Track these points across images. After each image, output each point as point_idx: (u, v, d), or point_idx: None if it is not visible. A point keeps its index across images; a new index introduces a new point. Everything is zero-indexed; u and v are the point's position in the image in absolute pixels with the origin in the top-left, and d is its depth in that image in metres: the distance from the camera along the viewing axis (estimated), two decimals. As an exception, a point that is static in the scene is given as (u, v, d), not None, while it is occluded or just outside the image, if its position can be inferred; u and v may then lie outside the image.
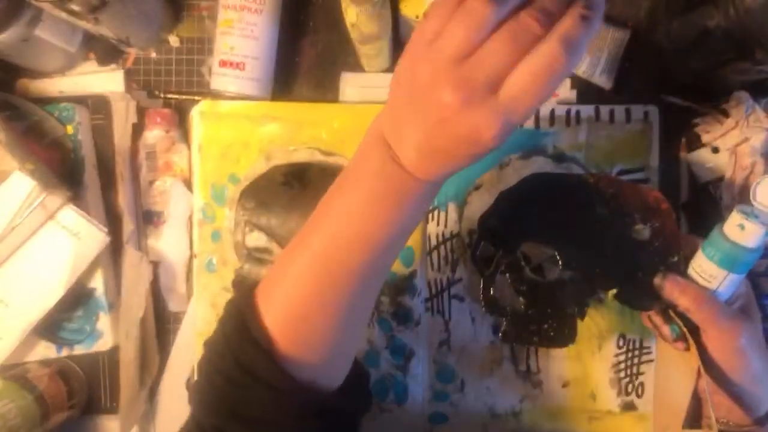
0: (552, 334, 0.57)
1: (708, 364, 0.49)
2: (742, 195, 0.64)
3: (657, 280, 0.51)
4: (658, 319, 0.52)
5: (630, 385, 0.65)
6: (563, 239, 0.53)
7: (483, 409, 0.66)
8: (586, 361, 0.65)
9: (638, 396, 0.65)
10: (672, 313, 0.51)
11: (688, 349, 0.50)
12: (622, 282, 0.54)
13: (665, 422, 0.57)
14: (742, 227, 0.44)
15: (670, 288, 0.49)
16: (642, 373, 0.65)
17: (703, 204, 0.66)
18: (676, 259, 0.52)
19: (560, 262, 0.54)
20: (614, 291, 0.54)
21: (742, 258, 0.46)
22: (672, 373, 0.54)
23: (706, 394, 0.49)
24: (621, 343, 0.65)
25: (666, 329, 0.51)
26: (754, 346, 0.48)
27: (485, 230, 0.55)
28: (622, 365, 0.65)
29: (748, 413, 0.49)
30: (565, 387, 0.66)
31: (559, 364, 0.66)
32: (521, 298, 0.57)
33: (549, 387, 0.66)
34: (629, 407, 0.65)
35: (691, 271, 0.49)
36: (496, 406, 0.66)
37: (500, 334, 0.59)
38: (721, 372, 0.48)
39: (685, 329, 0.50)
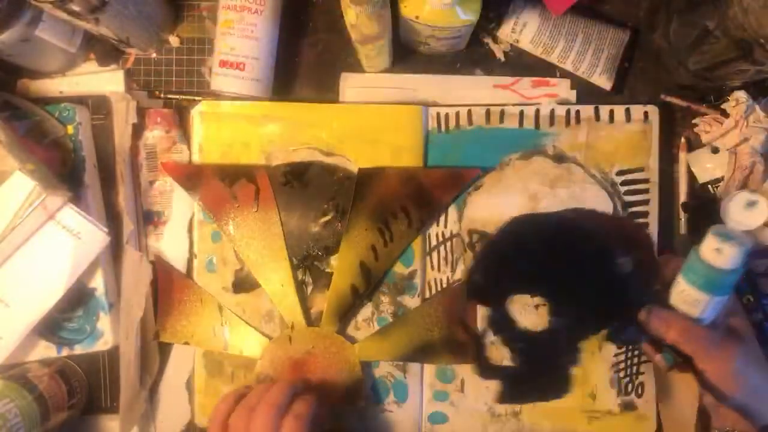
0: (548, 387, 0.57)
1: (706, 386, 0.48)
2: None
3: (642, 317, 0.50)
4: (649, 349, 0.52)
5: (630, 385, 0.65)
6: (550, 285, 0.53)
7: (483, 409, 0.66)
8: (586, 361, 0.65)
9: (638, 396, 0.65)
10: (665, 343, 0.51)
11: (684, 372, 0.50)
12: (612, 320, 0.54)
13: None
14: (719, 251, 0.43)
15: (656, 323, 0.49)
16: (642, 373, 0.65)
17: (703, 204, 0.66)
18: (658, 287, 0.52)
19: (550, 312, 0.53)
20: (606, 331, 0.55)
21: (723, 280, 0.45)
22: (676, 388, 0.54)
23: (711, 407, 0.49)
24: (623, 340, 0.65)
25: (659, 358, 0.51)
26: (750, 364, 0.48)
27: (472, 288, 0.54)
28: (622, 365, 0.65)
29: (754, 423, 0.49)
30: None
31: (559, 364, 0.66)
32: (516, 356, 0.57)
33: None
34: (629, 407, 0.65)
35: (673, 297, 0.48)
36: (496, 406, 0.66)
37: (498, 398, 0.58)
38: (720, 392, 0.48)
39: (678, 358, 0.49)
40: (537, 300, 0.54)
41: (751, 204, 0.44)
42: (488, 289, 0.52)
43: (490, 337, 0.55)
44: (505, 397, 0.59)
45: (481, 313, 0.52)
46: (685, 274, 0.47)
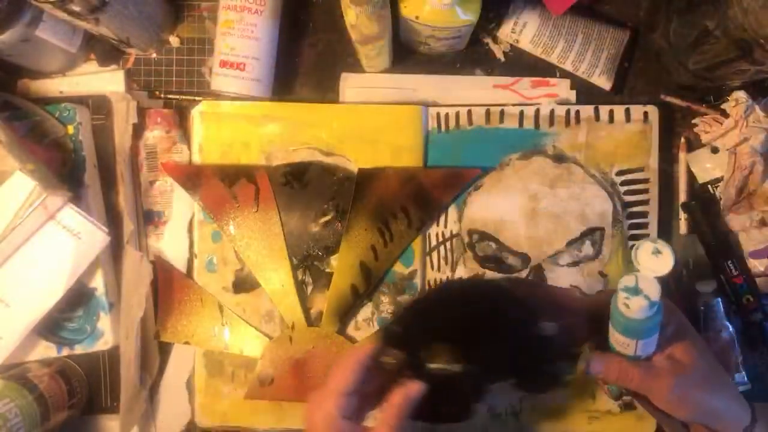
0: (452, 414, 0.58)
1: (657, 411, 0.50)
2: (741, 195, 0.64)
3: (580, 364, 0.51)
4: (599, 380, 0.54)
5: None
6: (467, 341, 0.54)
7: (483, 409, 0.66)
8: (586, 361, 0.65)
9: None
10: None
11: (635, 399, 0.52)
12: (521, 372, 0.55)
13: None
14: (627, 306, 0.45)
15: (595, 367, 0.50)
16: (641, 373, 0.65)
17: (703, 204, 0.66)
18: (577, 350, 0.53)
19: (462, 360, 0.54)
20: (513, 380, 0.56)
21: (640, 327, 0.46)
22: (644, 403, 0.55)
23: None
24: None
25: (607, 390, 0.54)
26: (696, 387, 0.48)
27: (387, 337, 0.55)
28: (622, 365, 0.65)
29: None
30: (566, 386, 0.66)
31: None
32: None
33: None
34: (629, 407, 0.65)
35: (610, 339, 0.50)
36: (496, 406, 0.66)
37: None
38: (677, 414, 0.49)
39: (624, 390, 0.52)
40: (452, 350, 0.55)
41: (657, 252, 0.45)
42: (404, 340, 0.54)
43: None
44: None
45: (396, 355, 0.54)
46: (611, 320, 0.48)
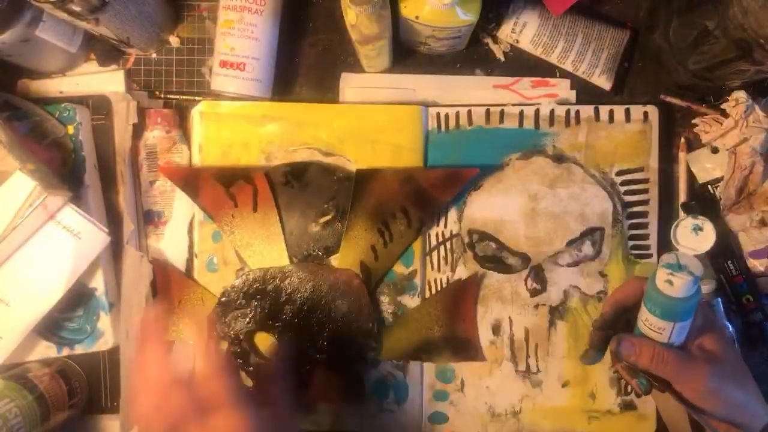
0: None
1: (687, 405, 0.49)
2: (741, 195, 0.64)
3: (612, 346, 0.50)
4: (625, 374, 0.52)
5: (629, 385, 0.65)
6: (283, 327, 0.64)
7: (483, 409, 0.66)
8: (586, 361, 0.65)
9: (637, 396, 0.65)
10: (639, 368, 0.51)
11: (664, 391, 0.50)
12: (329, 348, 0.64)
13: None
14: (670, 282, 0.43)
15: (626, 351, 0.49)
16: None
17: (703, 204, 0.66)
18: (371, 325, 0.64)
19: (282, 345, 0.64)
20: (324, 357, 0.64)
21: (681, 308, 0.45)
22: (665, 402, 0.54)
23: (701, 419, 0.49)
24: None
25: (635, 383, 0.51)
26: (728, 379, 0.48)
27: (213, 329, 0.65)
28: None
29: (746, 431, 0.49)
30: (565, 387, 0.66)
31: (559, 363, 0.66)
32: (252, 380, 0.65)
33: (549, 387, 0.66)
34: (629, 407, 0.65)
35: (640, 324, 0.49)
36: (496, 405, 0.66)
37: None
38: (700, 409, 0.48)
39: (654, 382, 0.50)
40: (273, 337, 0.65)
41: (698, 229, 0.44)
42: (230, 330, 0.65)
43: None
44: None
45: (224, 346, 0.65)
46: (645, 303, 0.47)
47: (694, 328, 0.48)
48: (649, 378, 0.49)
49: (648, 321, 0.47)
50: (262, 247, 0.65)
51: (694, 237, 0.44)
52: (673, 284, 0.43)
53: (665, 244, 0.65)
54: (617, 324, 0.53)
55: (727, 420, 0.48)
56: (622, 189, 0.66)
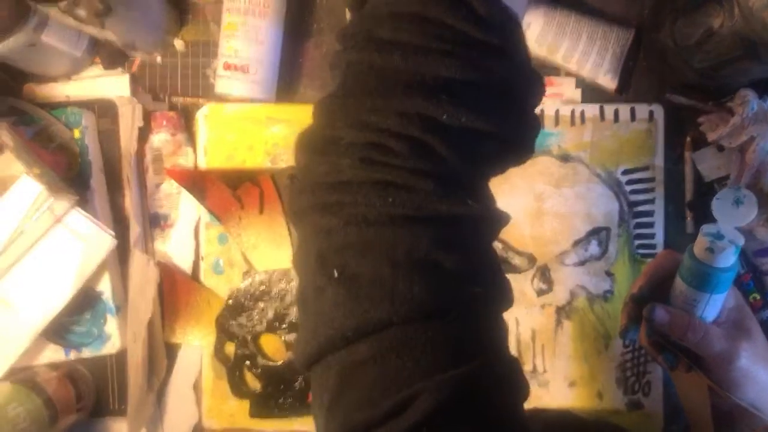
0: (289, 405, 0.65)
1: (712, 384, 0.48)
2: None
3: (645, 312, 0.50)
4: (651, 350, 0.51)
5: (636, 384, 0.65)
6: (290, 329, 0.64)
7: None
8: (593, 361, 0.65)
9: (645, 395, 0.65)
10: (667, 343, 0.50)
11: (690, 371, 0.50)
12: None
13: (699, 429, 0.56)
14: (711, 250, 0.43)
15: (660, 318, 0.48)
16: (649, 372, 0.65)
17: (709, 203, 0.65)
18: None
19: (287, 347, 0.65)
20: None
21: (718, 278, 0.45)
22: (687, 384, 0.54)
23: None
24: (627, 342, 0.65)
25: (661, 359, 0.51)
26: (757, 360, 0.47)
27: (221, 331, 0.66)
28: (629, 364, 0.65)
29: (765, 421, 0.48)
30: (572, 386, 0.66)
31: (566, 363, 0.66)
32: (259, 381, 0.65)
33: (555, 386, 0.66)
34: (636, 406, 0.65)
35: (673, 297, 0.48)
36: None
37: (249, 413, 0.66)
38: (729, 389, 0.47)
39: (682, 357, 0.49)
40: (278, 338, 0.66)
41: (739, 201, 0.44)
42: (236, 331, 0.66)
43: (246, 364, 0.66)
44: (254, 412, 0.66)
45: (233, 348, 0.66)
46: (681, 274, 0.47)
47: (726, 307, 0.47)
48: (678, 353, 0.48)
49: (682, 293, 0.47)
50: (269, 249, 0.65)
51: (735, 210, 0.44)
52: (714, 252, 0.43)
53: (671, 243, 0.65)
54: (653, 298, 0.52)
55: (752, 403, 0.47)
56: (628, 188, 0.65)
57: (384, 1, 0.32)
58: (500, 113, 0.32)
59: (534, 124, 0.34)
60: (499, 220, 0.33)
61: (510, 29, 0.33)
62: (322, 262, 0.30)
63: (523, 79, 0.34)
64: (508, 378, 0.31)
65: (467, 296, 0.31)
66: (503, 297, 0.33)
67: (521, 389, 0.32)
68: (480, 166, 0.32)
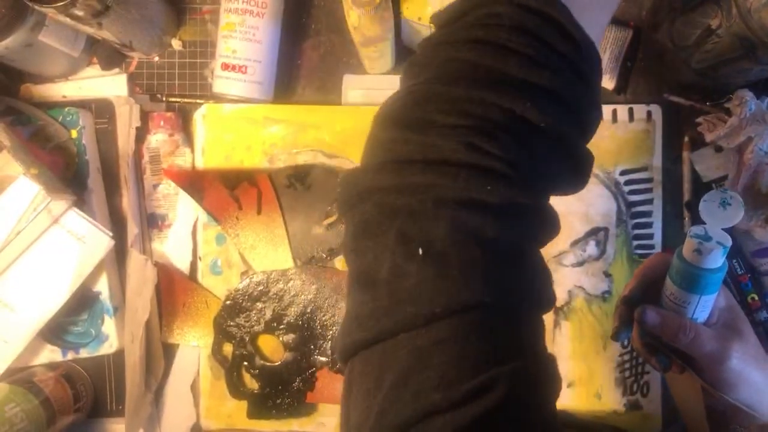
0: (286, 406, 0.66)
1: (705, 385, 0.48)
2: (746, 193, 0.63)
3: (637, 315, 0.50)
4: (644, 352, 0.52)
5: (635, 385, 0.65)
6: (287, 329, 0.65)
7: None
8: (591, 361, 0.65)
9: (643, 395, 0.65)
10: (659, 344, 0.50)
11: (683, 372, 0.50)
12: (331, 354, 0.65)
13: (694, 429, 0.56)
14: (699, 252, 0.43)
15: (651, 321, 0.48)
16: (647, 373, 0.65)
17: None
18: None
19: (285, 348, 0.65)
20: (327, 359, 0.64)
21: (707, 280, 0.45)
22: (680, 385, 0.54)
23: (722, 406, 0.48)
24: (626, 343, 0.65)
25: (654, 361, 0.51)
26: (749, 360, 0.47)
27: (219, 331, 0.66)
28: (627, 365, 0.65)
29: (757, 420, 0.48)
30: (570, 387, 0.66)
31: (564, 364, 0.66)
32: (257, 382, 0.66)
33: (554, 387, 0.66)
34: (635, 407, 0.65)
35: (664, 298, 0.49)
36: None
37: (246, 414, 0.66)
38: (722, 389, 0.48)
39: (675, 358, 0.49)
40: (276, 338, 0.66)
41: (725, 203, 0.44)
42: (233, 332, 0.66)
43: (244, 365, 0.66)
44: (252, 414, 0.66)
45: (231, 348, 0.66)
46: (671, 276, 0.47)
47: (716, 308, 0.48)
48: (670, 355, 0.49)
49: (673, 294, 0.47)
50: (267, 249, 0.65)
51: (722, 211, 0.44)
52: (702, 254, 0.43)
53: (669, 244, 0.65)
54: (644, 300, 0.52)
55: (745, 403, 0.47)
56: (626, 189, 0.65)
57: (509, 15, 0.33)
58: (577, 136, 0.34)
59: (591, 157, 0.37)
60: (558, 229, 0.37)
61: (595, 60, 0.35)
62: (403, 241, 0.31)
63: (595, 109, 0.36)
64: (554, 374, 0.33)
65: (536, 291, 0.33)
66: (551, 299, 0.35)
67: (560, 384, 0.34)
68: (550, 180, 0.35)
